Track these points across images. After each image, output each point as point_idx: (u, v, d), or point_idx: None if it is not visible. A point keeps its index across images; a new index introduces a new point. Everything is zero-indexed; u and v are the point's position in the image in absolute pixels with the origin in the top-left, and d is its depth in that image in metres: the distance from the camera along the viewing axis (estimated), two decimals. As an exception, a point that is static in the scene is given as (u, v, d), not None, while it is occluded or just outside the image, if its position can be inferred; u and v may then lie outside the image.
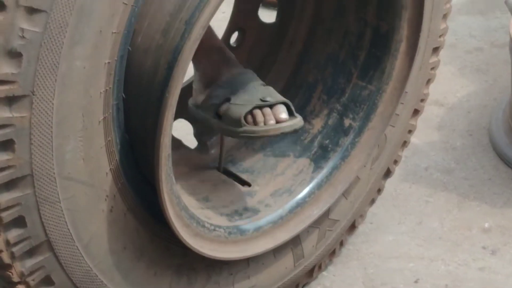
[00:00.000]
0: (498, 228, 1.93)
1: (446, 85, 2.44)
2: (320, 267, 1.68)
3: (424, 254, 1.87)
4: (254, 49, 1.58)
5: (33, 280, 1.14)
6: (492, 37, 2.73)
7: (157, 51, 1.08)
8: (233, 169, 1.48)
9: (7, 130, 0.94)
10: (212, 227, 1.26)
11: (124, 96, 1.14)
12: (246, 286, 1.49)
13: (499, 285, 1.75)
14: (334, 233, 1.57)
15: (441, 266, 1.79)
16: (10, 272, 1.08)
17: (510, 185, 2.06)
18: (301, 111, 1.53)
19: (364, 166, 1.50)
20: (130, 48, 1.08)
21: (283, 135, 1.33)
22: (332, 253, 1.67)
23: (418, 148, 2.23)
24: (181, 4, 1.06)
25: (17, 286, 1.14)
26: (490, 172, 2.10)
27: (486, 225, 1.93)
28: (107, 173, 1.15)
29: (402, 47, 1.47)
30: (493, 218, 1.92)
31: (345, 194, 1.48)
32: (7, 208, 1.01)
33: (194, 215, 1.23)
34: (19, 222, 1.08)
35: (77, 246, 1.16)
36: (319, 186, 1.44)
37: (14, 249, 1.06)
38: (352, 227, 1.68)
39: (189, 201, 1.30)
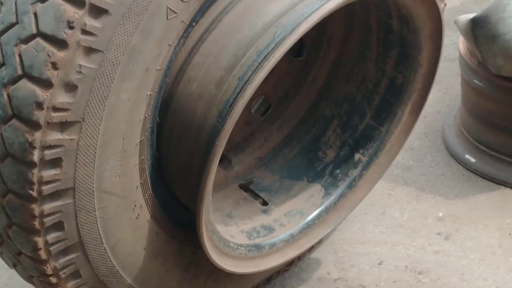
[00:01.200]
0: (451, 217, 2.13)
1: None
2: (299, 258, 1.86)
3: (387, 239, 2.06)
4: (279, 81, 1.68)
5: (64, 273, 1.29)
6: (444, 52, 2.80)
7: (210, 100, 1.20)
8: (253, 187, 1.66)
9: (57, 150, 1.09)
10: (236, 246, 1.44)
11: (158, 120, 1.28)
12: (243, 279, 1.69)
13: (452, 266, 1.94)
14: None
15: (401, 250, 1.98)
16: (45, 266, 1.24)
17: (461, 180, 2.19)
18: (316, 141, 1.74)
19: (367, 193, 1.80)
20: (168, 81, 1.20)
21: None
22: (311, 249, 1.81)
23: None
24: (236, 61, 1.16)
25: (49, 278, 1.31)
26: (443, 169, 2.26)
27: (440, 214, 2.12)
28: (137, 187, 1.30)
29: (414, 97, 1.64)
30: (446, 208, 2.10)
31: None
32: (49, 214, 1.17)
33: (222, 237, 1.39)
34: (58, 226, 1.25)
35: (105, 248, 1.32)
36: (327, 210, 1.60)
37: (51, 248, 1.23)
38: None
39: (215, 216, 1.42)
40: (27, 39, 1.08)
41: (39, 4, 1.08)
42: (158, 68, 1.21)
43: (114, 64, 1.13)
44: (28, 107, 1.13)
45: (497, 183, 2.20)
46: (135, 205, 1.32)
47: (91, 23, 1.06)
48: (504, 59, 1.97)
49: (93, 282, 1.36)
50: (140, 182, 1.32)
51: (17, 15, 1.10)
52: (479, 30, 1.98)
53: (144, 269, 1.45)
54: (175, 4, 1.21)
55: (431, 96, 2.48)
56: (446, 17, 3.01)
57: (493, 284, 1.90)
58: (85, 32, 1.05)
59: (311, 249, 1.98)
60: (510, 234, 2.06)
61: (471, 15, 2.10)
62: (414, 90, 1.58)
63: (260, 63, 1.15)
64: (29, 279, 1.44)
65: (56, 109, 1.06)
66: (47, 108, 1.05)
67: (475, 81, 2.13)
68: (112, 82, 1.15)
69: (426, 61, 1.62)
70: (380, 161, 1.65)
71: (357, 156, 1.63)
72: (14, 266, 1.46)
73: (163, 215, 1.41)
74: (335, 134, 1.68)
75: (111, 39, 1.09)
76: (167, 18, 1.20)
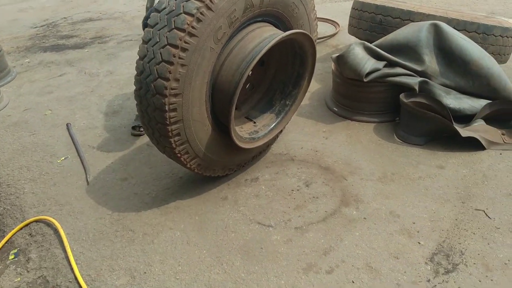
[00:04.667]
0: (328, 130, 3.15)
1: (312, 87, 3.73)
2: (268, 146, 2.92)
3: (305, 139, 3.08)
4: (256, 75, 2.75)
5: (181, 152, 2.28)
6: (328, 67, 4.14)
7: (230, 82, 2.18)
8: (250, 117, 2.64)
9: (175, 104, 2.04)
10: (244, 137, 2.41)
11: (212, 92, 2.19)
12: (248, 152, 2.69)
13: (328, 148, 2.97)
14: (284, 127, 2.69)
15: (309, 143, 3.00)
16: (175, 150, 2.27)
17: (328, 115, 3.37)
18: (272, 98, 2.76)
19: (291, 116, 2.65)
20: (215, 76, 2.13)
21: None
22: (273, 141, 2.96)
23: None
24: (238, 66, 2.17)
25: (176, 154, 2.26)
26: (325, 113, 3.47)
27: (324, 129, 3.17)
28: (207, 117, 2.21)
29: (306, 78, 2.66)
30: (326, 127, 3.18)
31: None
32: (174, 129, 2.12)
33: (238, 134, 2.37)
34: (178, 134, 2.13)
35: (197, 142, 2.21)
36: (277, 123, 2.65)
37: (174, 141, 2.17)
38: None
39: (236, 126, 2.46)
40: (159, 63, 2.02)
41: (161, 49, 2.01)
42: (209, 71, 2.09)
43: (192, 70, 2.05)
44: (161, 88, 2.03)
45: (345, 118, 3.29)
46: (206, 124, 2.22)
47: (182, 54, 2.00)
48: (348, 71, 3.11)
49: (193, 153, 2.28)
50: (207, 115, 2.21)
51: (154, 54, 2.02)
52: (340, 60, 3.11)
53: (209, 145, 2.30)
54: (213, 44, 2.03)
55: (321, 86, 3.75)
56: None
57: (340, 155, 2.90)
58: (180, 57, 2.00)
59: (273, 141, 2.90)
60: (350, 137, 3.10)
61: (337, 54, 3.16)
62: (306, 75, 2.65)
63: (247, 67, 2.11)
64: (165, 153, 2.32)
65: (172, 89, 2.12)
66: (169, 89, 2.07)
67: (338, 79, 3.27)
68: (192, 77, 2.07)
69: (310, 64, 2.62)
70: (296, 104, 2.70)
71: (287, 102, 2.69)
72: (163, 153, 2.35)
73: (216, 126, 2.30)
74: (278, 95, 2.72)
75: (190, 60, 2.03)
76: (210, 51, 2.03)
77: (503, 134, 2.94)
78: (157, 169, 2.87)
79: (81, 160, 3.00)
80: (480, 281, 1.89)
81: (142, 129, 3.23)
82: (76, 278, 2.02)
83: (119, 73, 4.39)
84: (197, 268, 2.05)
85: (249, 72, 2.14)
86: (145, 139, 3.15)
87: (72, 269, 2.08)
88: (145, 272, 2.05)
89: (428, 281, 1.92)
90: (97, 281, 2.00)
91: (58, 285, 2.02)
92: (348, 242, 2.16)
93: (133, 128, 3.26)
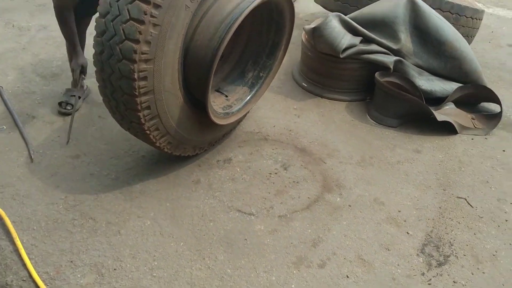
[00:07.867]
0: (300, 107, 3.06)
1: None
2: (239, 122, 2.80)
3: (275, 116, 2.97)
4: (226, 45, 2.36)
5: (151, 129, 2.03)
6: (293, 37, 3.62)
7: (208, 46, 1.97)
8: (221, 90, 2.52)
9: (145, 72, 1.75)
10: (219, 112, 2.26)
11: (184, 59, 1.95)
12: (220, 129, 2.53)
13: (301, 127, 2.88)
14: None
15: (281, 121, 2.90)
16: (143, 126, 1.98)
17: (301, 93, 3.27)
18: (244, 69, 2.65)
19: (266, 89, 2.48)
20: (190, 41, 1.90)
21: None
22: (244, 117, 2.82)
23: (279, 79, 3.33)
24: (216, 29, 1.98)
25: (145, 130, 2.04)
26: (294, 88, 3.37)
27: (295, 106, 3.07)
28: (179, 88, 1.97)
29: (283, 47, 2.53)
30: (298, 104, 3.08)
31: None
32: (144, 102, 1.87)
33: (214, 109, 2.21)
34: (148, 107, 1.87)
35: (168, 117, 1.99)
36: (251, 97, 2.52)
37: (143, 116, 1.91)
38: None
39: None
40: (126, 21, 1.70)
41: (129, 4, 1.67)
42: (182, 34, 1.85)
43: (166, 31, 1.76)
44: (130, 52, 1.74)
45: (315, 95, 3.20)
46: (178, 96, 2.03)
47: (154, 11, 1.68)
48: (323, 45, 2.97)
49: (164, 129, 2.11)
50: (179, 87, 1.99)
51: (119, 10, 1.69)
52: (315, 32, 2.93)
53: (181, 121, 2.12)
54: (188, 2, 1.84)
55: (289, 58, 3.53)
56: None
57: (315, 135, 2.83)
58: (152, 16, 1.67)
59: (244, 118, 2.79)
60: (323, 115, 3.02)
61: (312, 25, 2.97)
62: (282, 44, 2.52)
63: (227, 30, 1.97)
64: (130, 129, 2.13)
65: (142, 53, 1.72)
66: (138, 53, 1.73)
67: (309, 53, 3.16)
68: (165, 40, 1.78)
69: (288, 32, 2.50)
70: (271, 76, 2.58)
71: (262, 74, 2.58)
72: (128, 130, 2.13)
73: (188, 100, 2.10)
74: (250, 65, 2.60)
75: (163, 19, 1.72)
76: (185, 9, 1.83)
77: (473, 119, 2.99)
78: (113, 145, 2.57)
79: (20, 132, 2.61)
80: (472, 274, 1.90)
81: (69, 107, 2.79)
82: (31, 276, 1.74)
83: (55, 29, 3.89)
84: (176, 263, 1.85)
85: (230, 35, 1.94)
86: (88, 110, 2.86)
87: (24, 265, 1.79)
88: (115, 269, 1.82)
89: (423, 274, 1.90)
90: (57, 280, 1.74)
91: (8, 285, 1.72)
92: (337, 232, 2.08)
93: (59, 104, 2.80)
